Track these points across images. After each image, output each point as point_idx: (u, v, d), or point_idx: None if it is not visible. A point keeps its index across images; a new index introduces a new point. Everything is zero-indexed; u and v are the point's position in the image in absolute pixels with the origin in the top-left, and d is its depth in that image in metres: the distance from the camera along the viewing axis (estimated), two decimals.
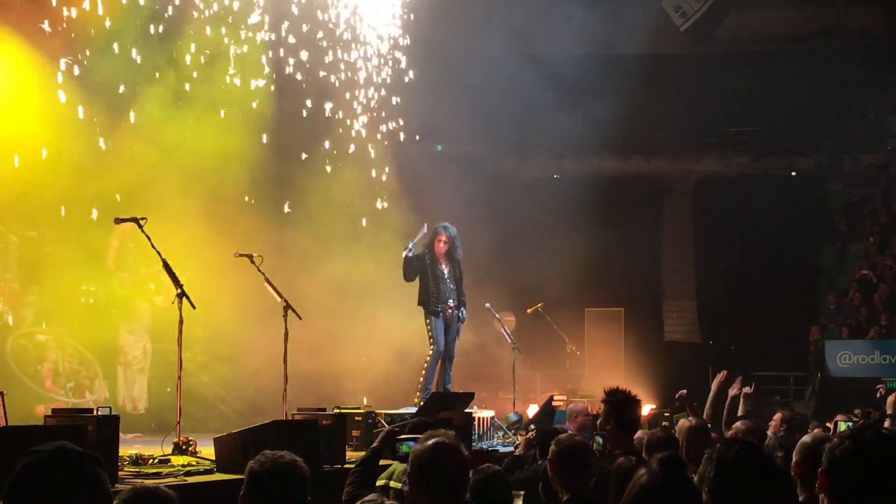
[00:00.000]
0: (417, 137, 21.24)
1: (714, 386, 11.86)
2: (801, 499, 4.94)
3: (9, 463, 2.96)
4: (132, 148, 15.95)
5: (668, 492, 3.77)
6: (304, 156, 19.01)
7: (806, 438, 5.55)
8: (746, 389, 12.42)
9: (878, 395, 14.09)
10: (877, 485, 3.29)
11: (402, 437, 6.54)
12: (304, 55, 18.47)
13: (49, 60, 14.92)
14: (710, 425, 9.31)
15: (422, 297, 14.71)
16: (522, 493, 6.84)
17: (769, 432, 10.59)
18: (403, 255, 14.68)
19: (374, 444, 6.56)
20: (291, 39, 18.33)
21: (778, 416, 11.73)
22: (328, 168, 19.35)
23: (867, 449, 3.33)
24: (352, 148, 19.67)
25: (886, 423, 10.98)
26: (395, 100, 20.00)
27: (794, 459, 5.27)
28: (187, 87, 16.78)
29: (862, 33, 30.64)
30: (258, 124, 17.81)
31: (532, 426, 12.38)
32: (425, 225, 15.11)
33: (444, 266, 14.74)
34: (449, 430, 5.06)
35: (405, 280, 14.75)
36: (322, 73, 18.95)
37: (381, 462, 6.75)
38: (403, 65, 19.95)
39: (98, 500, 2.86)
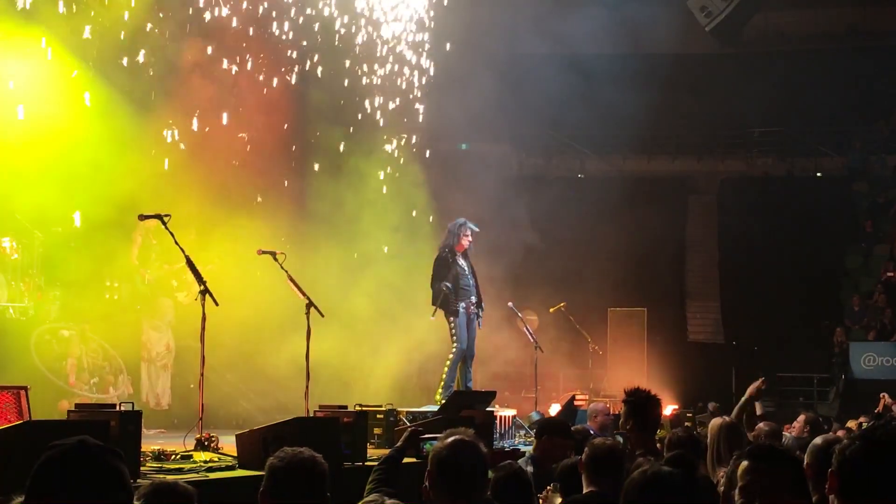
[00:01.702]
0: (442, 136, 21.28)
1: (749, 391, 11.77)
2: (813, 499, 4.92)
3: (32, 457, 2.98)
4: (156, 146, 16.02)
5: (653, 484, 3.78)
6: (328, 153, 19.03)
7: (817, 440, 5.53)
8: (758, 384, 12.32)
9: (880, 405, 13.96)
10: (887, 485, 3.26)
11: (426, 436, 6.56)
12: (327, 54, 18.51)
13: (75, 61, 15.05)
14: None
15: (443, 302, 14.58)
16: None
17: (793, 434, 10.55)
18: (445, 288, 14.52)
19: (399, 444, 6.57)
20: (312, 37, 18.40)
21: (802, 417, 11.65)
22: (353, 166, 19.38)
23: (878, 449, 3.30)
24: (381, 147, 19.70)
25: None
26: (418, 96, 20.01)
27: (805, 461, 5.25)
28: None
29: (889, 33, 30.49)
30: (279, 122, 17.87)
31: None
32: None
33: (463, 262, 14.67)
34: (469, 429, 5.06)
35: (434, 303, 14.52)
36: (346, 65, 18.99)
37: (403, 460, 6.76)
38: (429, 64, 19.96)
39: (119, 494, 2.87)
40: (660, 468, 3.89)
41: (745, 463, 3.93)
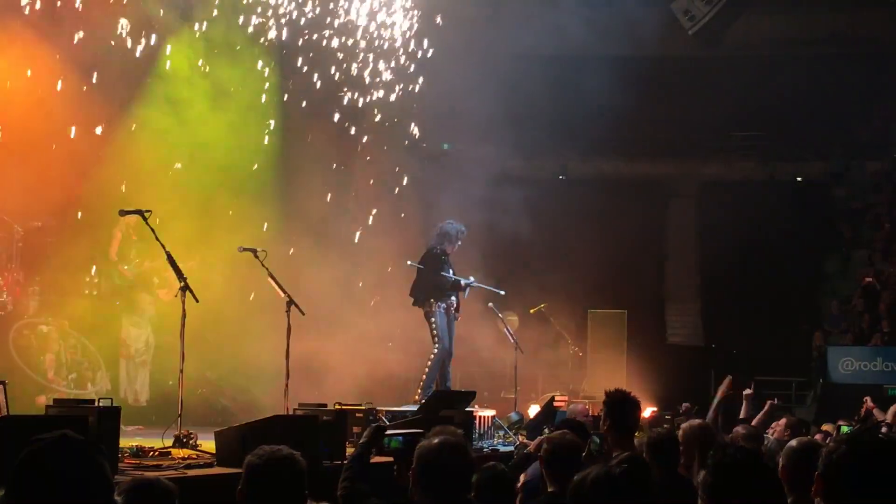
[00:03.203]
0: (423, 136, 21.26)
1: (720, 393, 11.85)
2: (788, 501, 4.96)
3: (9, 451, 2.98)
4: (138, 140, 15.98)
5: (601, 483, 3.81)
6: (310, 152, 18.99)
7: (793, 443, 5.58)
8: (747, 391, 12.45)
9: (863, 409, 14.02)
10: (872, 489, 3.30)
11: (390, 432, 6.57)
12: (311, 53, 18.48)
13: (54, 51, 15.00)
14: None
15: (427, 293, 14.61)
16: None
17: (773, 436, 10.61)
18: (465, 283, 14.67)
19: (363, 440, 6.58)
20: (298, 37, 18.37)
21: (783, 420, 11.73)
22: (334, 164, 19.38)
23: (863, 453, 3.34)
24: (359, 146, 19.70)
25: (884, 430, 11.00)
26: (401, 97, 20.00)
27: (780, 463, 5.29)
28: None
29: (871, 39, 30.59)
30: (264, 119, 17.85)
31: (546, 428, 12.36)
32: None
33: (448, 264, 14.78)
34: (457, 429, 5.06)
35: (440, 272, 14.57)
36: (330, 70, 18.97)
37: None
38: (410, 65, 19.94)
39: (100, 488, 2.87)
40: (606, 469, 3.91)
41: (709, 466, 3.97)
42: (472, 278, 15.05)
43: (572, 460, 6.39)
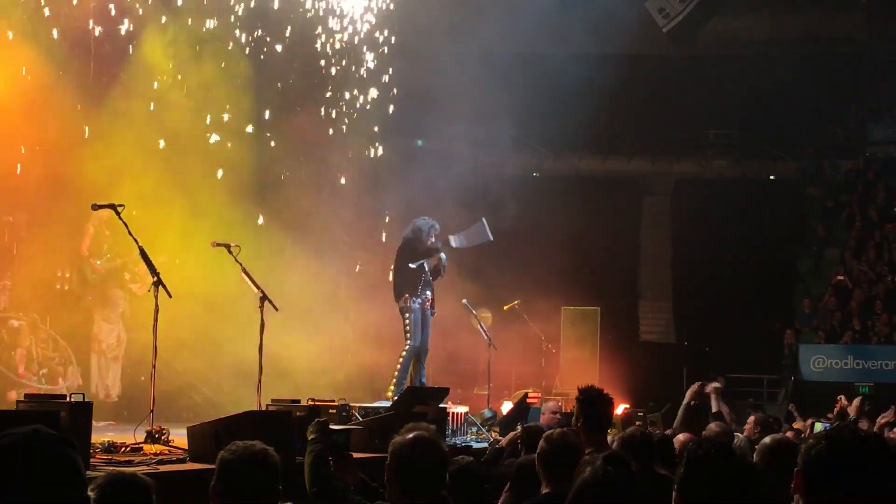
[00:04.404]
0: (397, 132, 21.27)
1: (687, 396, 11.85)
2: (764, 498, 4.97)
3: None
4: (112, 133, 15.88)
5: (605, 486, 3.83)
6: (284, 148, 18.94)
7: (766, 439, 5.59)
8: (716, 384, 12.38)
9: (836, 407, 14.08)
10: (851, 484, 3.32)
11: (335, 427, 6.59)
12: (279, 47, 18.44)
13: (26, 40, 14.88)
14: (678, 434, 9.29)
15: (403, 288, 14.57)
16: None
17: (744, 434, 10.63)
18: (455, 245, 14.67)
19: (314, 436, 6.54)
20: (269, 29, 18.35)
21: (752, 418, 11.76)
22: (307, 161, 19.32)
23: (843, 449, 3.36)
24: (332, 138, 19.66)
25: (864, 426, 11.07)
26: (375, 94, 19.99)
27: (755, 459, 5.30)
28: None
29: (845, 40, 30.78)
30: (239, 114, 17.80)
31: (519, 424, 12.36)
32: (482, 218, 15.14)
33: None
34: (430, 425, 5.04)
35: (412, 263, 14.51)
36: (304, 64, 18.95)
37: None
38: (386, 61, 19.93)
39: (73, 483, 2.84)
40: (607, 469, 3.92)
41: (684, 461, 3.97)
42: (443, 256, 14.93)
43: (571, 462, 6.35)
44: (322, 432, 6.49)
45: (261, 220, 17.58)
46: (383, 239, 19.31)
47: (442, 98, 20.68)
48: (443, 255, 14.85)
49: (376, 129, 20.37)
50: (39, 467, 2.78)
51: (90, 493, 2.97)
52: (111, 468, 7.72)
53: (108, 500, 3.96)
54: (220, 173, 17.04)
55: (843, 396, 14.14)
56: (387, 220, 19.73)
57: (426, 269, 14.61)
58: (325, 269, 18.41)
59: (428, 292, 14.62)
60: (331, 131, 19.54)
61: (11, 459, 2.77)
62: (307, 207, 18.86)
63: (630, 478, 3.97)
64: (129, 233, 10.29)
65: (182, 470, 8.25)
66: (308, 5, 18.55)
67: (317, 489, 6.03)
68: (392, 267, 14.98)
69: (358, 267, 19.31)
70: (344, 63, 19.41)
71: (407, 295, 14.45)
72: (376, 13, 19.50)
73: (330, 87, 19.43)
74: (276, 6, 17.93)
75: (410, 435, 4.82)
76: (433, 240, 14.74)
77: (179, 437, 9.52)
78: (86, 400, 8.22)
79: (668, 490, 4.00)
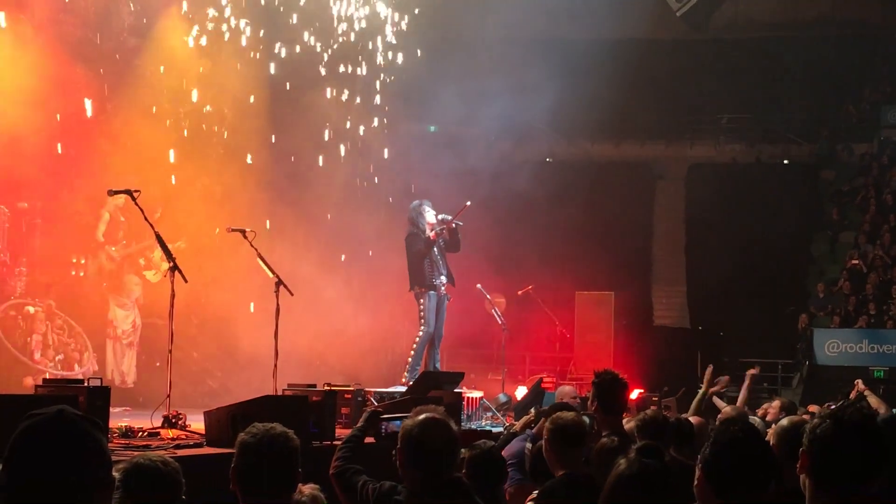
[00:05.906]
0: (410, 118, 21.25)
1: (705, 383, 11.85)
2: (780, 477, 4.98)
3: (3, 431, 2.96)
4: (127, 120, 15.93)
5: (644, 479, 3.85)
6: (299, 134, 18.96)
7: (783, 422, 5.59)
8: (753, 371, 12.60)
9: (853, 391, 14.05)
10: (856, 464, 3.34)
11: (386, 416, 6.55)
12: (300, 34, 18.47)
13: (40, 32, 14.92)
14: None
15: (418, 277, 14.51)
16: None
17: (768, 418, 10.62)
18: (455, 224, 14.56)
19: (360, 424, 6.55)
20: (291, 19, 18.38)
21: (776, 402, 11.74)
22: (321, 152, 19.34)
23: (847, 428, 3.38)
24: (347, 125, 19.68)
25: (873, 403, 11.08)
26: (389, 79, 19.99)
27: (772, 442, 5.31)
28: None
29: (858, 23, 30.65)
30: (257, 97, 17.85)
31: (532, 409, 12.38)
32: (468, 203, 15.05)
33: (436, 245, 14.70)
34: (439, 406, 5.05)
35: (420, 256, 14.43)
36: (318, 51, 18.96)
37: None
38: (399, 46, 19.92)
39: (99, 463, 2.85)
40: (643, 460, 3.94)
41: (710, 443, 3.98)
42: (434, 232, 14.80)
43: (580, 443, 6.37)
44: (369, 421, 6.50)
45: (275, 207, 17.63)
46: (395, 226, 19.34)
47: (455, 83, 20.67)
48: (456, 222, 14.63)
49: (387, 112, 20.37)
50: (66, 446, 2.79)
51: (115, 474, 2.99)
52: (129, 453, 7.75)
53: (133, 483, 4.00)
54: (248, 158, 17.13)
55: (860, 381, 14.10)
56: (400, 206, 19.73)
57: (436, 253, 14.52)
58: (338, 254, 18.45)
59: (442, 277, 14.52)
60: (348, 123, 19.55)
61: (38, 439, 2.79)
62: (321, 196, 18.88)
63: (666, 469, 3.99)
64: (146, 218, 10.28)
65: (200, 454, 8.28)
66: None
67: (335, 469, 6.05)
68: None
69: (370, 252, 19.30)
70: (360, 46, 19.41)
71: (419, 284, 14.39)
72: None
73: (346, 68, 19.41)
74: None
75: (419, 417, 4.84)
76: (427, 216, 14.52)
77: (196, 422, 9.56)
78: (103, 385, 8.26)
79: (683, 474, 4.03)
